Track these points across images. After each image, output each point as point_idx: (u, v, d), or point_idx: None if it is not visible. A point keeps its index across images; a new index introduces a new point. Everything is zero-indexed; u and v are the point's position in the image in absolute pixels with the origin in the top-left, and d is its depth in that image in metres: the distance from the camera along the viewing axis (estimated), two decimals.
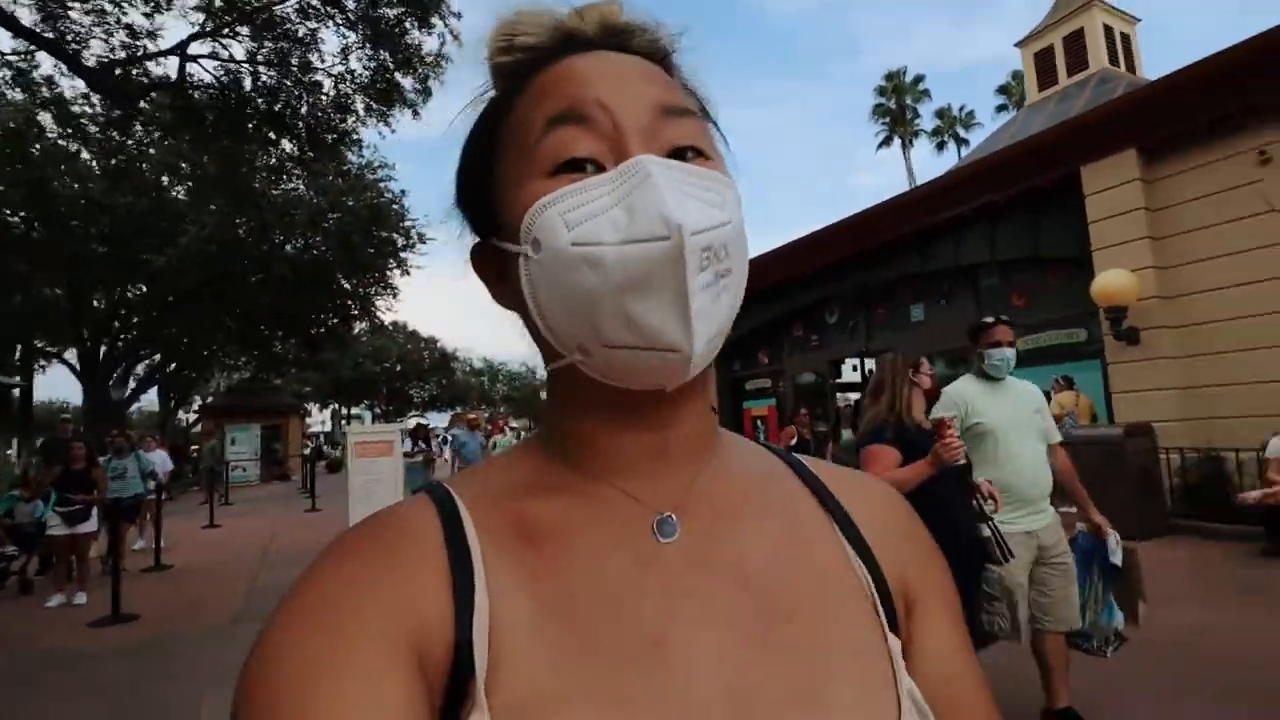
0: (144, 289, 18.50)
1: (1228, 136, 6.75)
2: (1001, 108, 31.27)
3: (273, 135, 10.33)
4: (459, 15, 8.82)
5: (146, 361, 22.72)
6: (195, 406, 30.49)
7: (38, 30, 8.02)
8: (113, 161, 14.58)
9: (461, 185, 0.48)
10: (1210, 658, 3.48)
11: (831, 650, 0.40)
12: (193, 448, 24.87)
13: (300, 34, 9.30)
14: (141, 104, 9.65)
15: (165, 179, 16.54)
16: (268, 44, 9.34)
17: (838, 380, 14.15)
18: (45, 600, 6.19)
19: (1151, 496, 6.39)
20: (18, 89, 11.46)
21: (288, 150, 11.14)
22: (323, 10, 8.96)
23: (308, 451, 21.54)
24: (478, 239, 0.47)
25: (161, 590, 6.54)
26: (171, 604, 5.98)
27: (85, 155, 14.86)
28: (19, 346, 20.80)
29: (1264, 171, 6.52)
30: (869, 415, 2.71)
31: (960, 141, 32.56)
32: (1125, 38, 16.27)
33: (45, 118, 13.25)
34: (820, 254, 11.44)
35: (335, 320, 20.68)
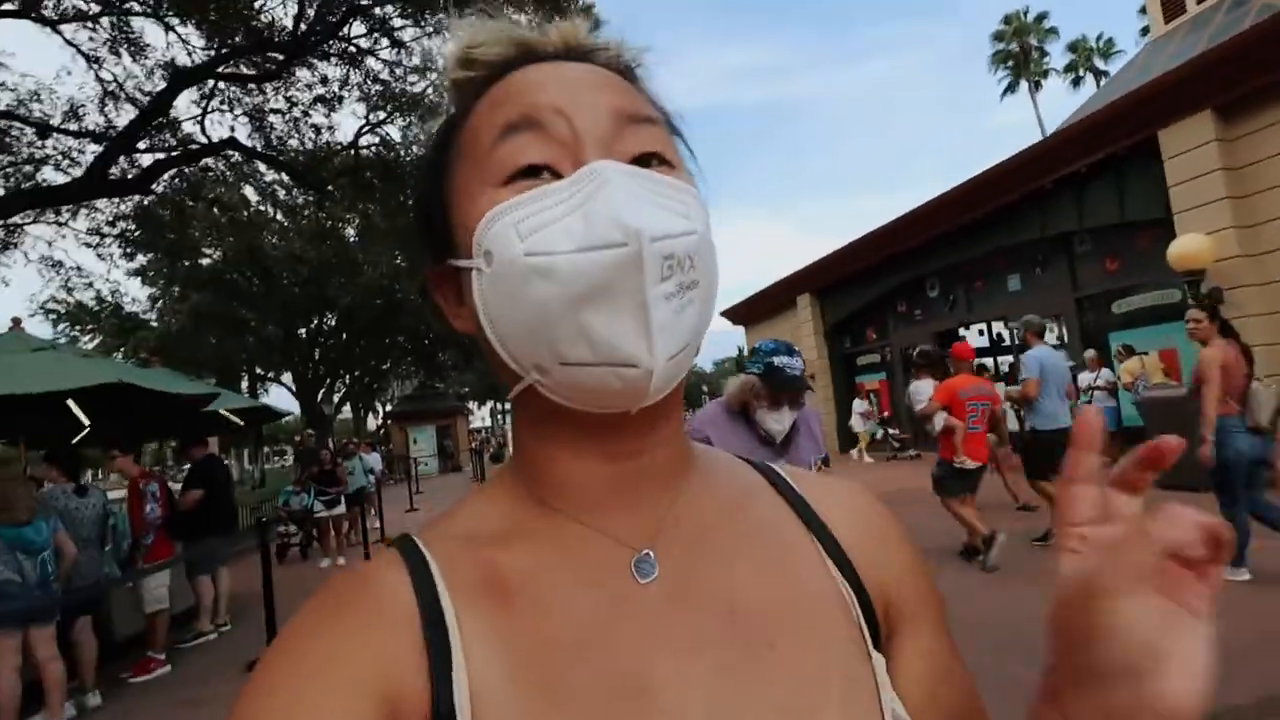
0: (334, 321, 22.31)
1: None
2: (1147, 29, 28.23)
3: None
4: None
5: (341, 379, 27.07)
6: (380, 414, 35.42)
7: (251, 145, 10.62)
8: (302, 221, 17.90)
9: (418, 206, 0.46)
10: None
11: (815, 674, 0.40)
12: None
13: (434, 104, 11.35)
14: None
15: (340, 226, 19.93)
16: (414, 120, 11.48)
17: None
18: (318, 563, 8.65)
19: None
20: (230, 172, 14.67)
21: None
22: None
23: (475, 445, 24.75)
24: (436, 263, 0.44)
25: None
26: None
27: (280, 218, 18.38)
28: (244, 375, 25.73)
29: None
30: None
31: (1099, 74, 29.75)
32: None
33: (248, 191, 16.65)
34: (917, 231, 11.87)
35: None
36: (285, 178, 11.89)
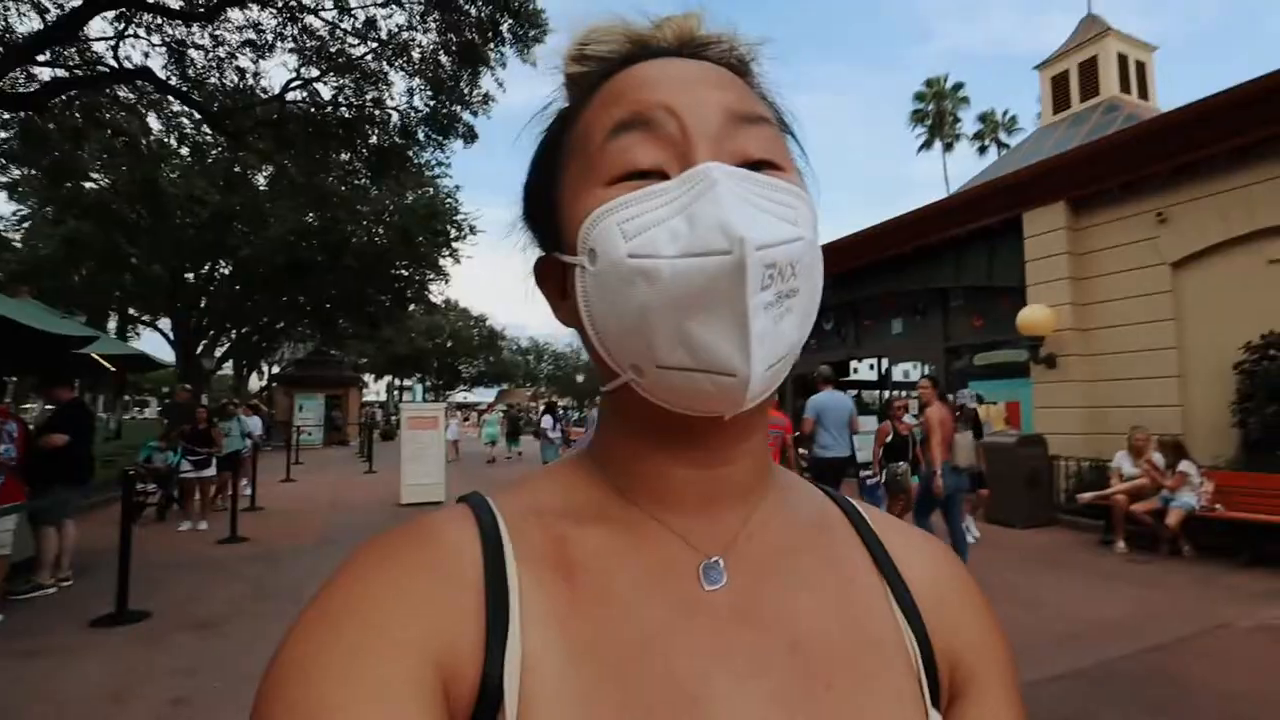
0: (230, 270, 21.05)
1: (1134, 198, 7.99)
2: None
3: (346, 152, 12.31)
4: (505, 66, 10.56)
5: (227, 333, 25.51)
6: (265, 376, 33.56)
7: (166, 78, 10.05)
8: (209, 161, 16.90)
9: (527, 198, 0.47)
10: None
11: None
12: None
13: (371, 71, 11.17)
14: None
15: (250, 173, 18.89)
16: (348, 83, 11.25)
17: (842, 379, 15.57)
18: (176, 526, 8.28)
19: (1039, 493, 7.79)
20: (136, 98, 13.69)
21: (359, 157, 13.12)
22: (392, 58, 10.81)
23: (364, 420, 23.99)
24: (542, 253, 0.45)
25: (261, 523, 8.58)
26: (270, 532, 7.98)
27: (184, 152, 17.23)
28: (115, 315, 23.74)
29: (1160, 229, 7.75)
30: None
31: (1002, 146, 32.90)
32: (1140, 65, 16.86)
33: (152, 120, 15.57)
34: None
35: (390, 302, 23.00)
36: (197, 114, 11.32)
